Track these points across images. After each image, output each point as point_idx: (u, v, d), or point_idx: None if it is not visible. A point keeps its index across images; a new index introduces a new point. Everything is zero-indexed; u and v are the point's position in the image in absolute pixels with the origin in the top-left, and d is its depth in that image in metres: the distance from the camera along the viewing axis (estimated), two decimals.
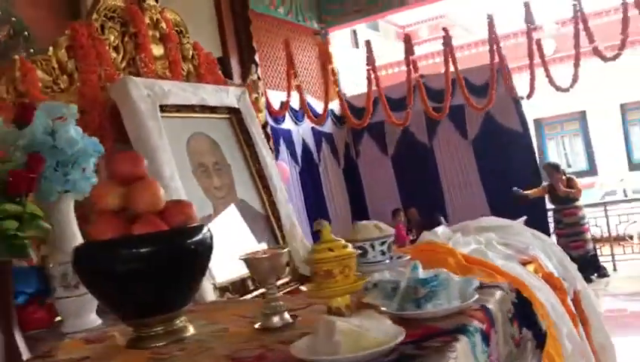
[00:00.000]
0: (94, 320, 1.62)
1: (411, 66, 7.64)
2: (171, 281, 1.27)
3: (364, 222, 1.45)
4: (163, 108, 2.34)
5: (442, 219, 7.86)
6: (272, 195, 2.68)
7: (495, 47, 7.31)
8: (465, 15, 31.08)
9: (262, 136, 2.80)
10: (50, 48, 2.22)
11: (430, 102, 8.18)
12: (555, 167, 8.26)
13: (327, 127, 9.18)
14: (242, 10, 5.31)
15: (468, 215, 7.94)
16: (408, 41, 7.69)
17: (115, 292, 1.28)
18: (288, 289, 2.47)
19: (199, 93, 2.55)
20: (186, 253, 1.27)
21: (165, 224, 1.26)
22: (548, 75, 6.93)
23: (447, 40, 7.49)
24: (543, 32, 15.89)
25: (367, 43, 7.95)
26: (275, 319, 1.25)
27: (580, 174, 17.66)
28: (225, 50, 5.11)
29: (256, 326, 1.28)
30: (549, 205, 8.53)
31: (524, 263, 2.10)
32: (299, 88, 7.04)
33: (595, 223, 8.82)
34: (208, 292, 2.01)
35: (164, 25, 2.67)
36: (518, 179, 8.54)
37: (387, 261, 1.36)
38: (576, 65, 6.87)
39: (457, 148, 9.56)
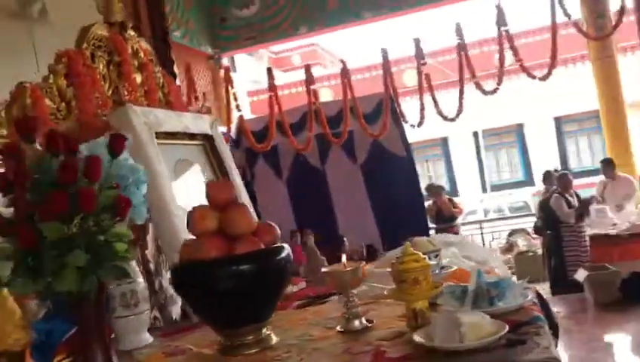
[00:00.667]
0: (148, 337, 1.72)
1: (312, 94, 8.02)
2: (264, 294, 1.45)
3: (417, 238, 1.72)
4: (156, 135, 2.44)
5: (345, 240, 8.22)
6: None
7: (389, 78, 7.91)
8: (333, 45, 32.36)
9: (232, 161, 2.96)
10: (51, 76, 2.25)
11: (321, 128, 8.60)
12: (441, 188, 9.00)
13: None
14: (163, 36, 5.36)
15: (359, 236, 8.45)
16: (308, 70, 8.08)
17: (214, 304, 1.43)
18: None
19: (182, 120, 2.67)
20: (276, 269, 1.46)
21: (261, 244, 1.44)
22: (436, 106, 7.64)
23: (344, 71, 7.99)
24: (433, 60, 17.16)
25: (269, 70, 8.26)
26: (356, 322, 1.48)
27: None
28: None
29: (338, 329, 1.49)
30: (430, 224, 9.21)
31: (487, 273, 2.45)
32: (208, 110, 7.12)
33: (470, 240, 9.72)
34: None
35: (142, 54, 2.77)
36: (404, 200, 9.14)
37: (437, 271, 1.63)
38: (461, 96, 7.65)
39: (347, 172, 10.04)
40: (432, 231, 9.23)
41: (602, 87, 9.44)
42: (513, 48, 7.27)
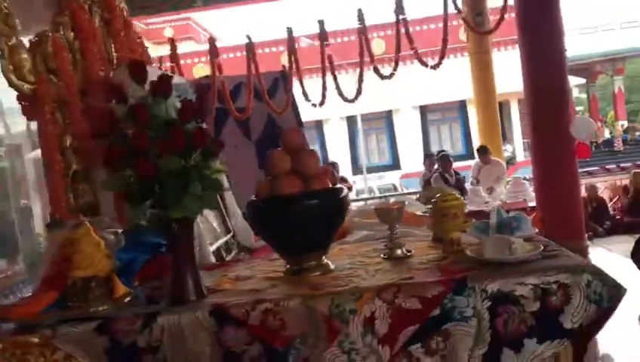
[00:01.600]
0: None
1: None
2: (328, 226, 1.71)
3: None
4: None
5: None
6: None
7: (293, 56, 8.17)
8: (208, 20, 31.78)
9: None
10: (61, 28, 2.29)
11: (218, 103, 8.68)
12: (334, 165, 9.47)
13: None
14: None
15: None
16: (213, 44, 8.11)
17: (287, 234, 1.66)
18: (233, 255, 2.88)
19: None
20: (339, 204, 1.72)
21: (328, 183, 1.70)
22: (337, 88, 8.05)
23: (249, 47, 8.12)
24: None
25: (171, 40, 8.15)
26: (399, 251, 1.78)
27: None
28: None
29: (382, 256, 1.79)
30: None
31: None
32: None
33: None
34: None
35: (125, 13, 2.83)
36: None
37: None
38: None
39: (241, 147, 10.17)
40: None
41: (477, 79, 10.42)
42: (409, 36, 7.84)
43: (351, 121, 23.49)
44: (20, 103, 2.06)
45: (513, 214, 1.80)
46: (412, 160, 21.24)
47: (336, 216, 1.72)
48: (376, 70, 8.04)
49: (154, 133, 1.45)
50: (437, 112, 24.71)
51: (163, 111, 1.50)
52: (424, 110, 24.74)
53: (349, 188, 9.46)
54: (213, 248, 2.58)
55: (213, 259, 2.42)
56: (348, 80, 8.97)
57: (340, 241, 2.34)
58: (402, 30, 7.87)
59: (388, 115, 24.95)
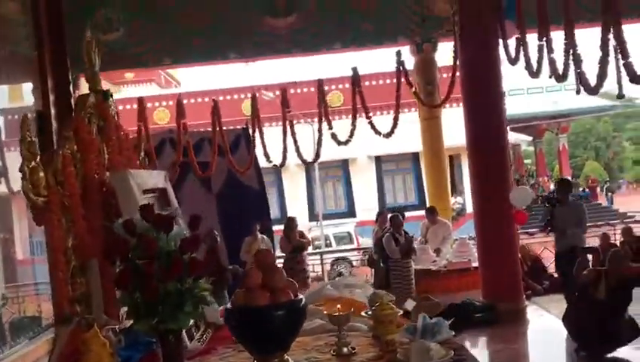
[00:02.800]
0: None
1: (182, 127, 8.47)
2: (292, 330, 2.15)
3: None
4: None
5: None
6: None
7: (256, 119, 8.66)
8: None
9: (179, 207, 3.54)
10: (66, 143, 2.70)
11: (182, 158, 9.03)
12: (293, 221, 9.87)
13: None
14: None
15: None
16: (180, 105, 8.56)
17: (257, 337, 2.09)
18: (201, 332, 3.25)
19: (153, 177, 3.22)
20: (300, 314, 2.16)
21: (291, 295, 2.14)
22: (295, 144, 8.55)
23: (215, 109, 8.60)
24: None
25: (140, 100, 8.54)
26: (345, 349, 2.23)
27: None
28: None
29: (332, 352, 2.23)
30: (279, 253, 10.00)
31: None
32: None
33: (312, 269, 10.77)
34: None
35: (116, 117, 3.26)
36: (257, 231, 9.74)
37: None
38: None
39: (202, 200, 10.49)
40: (280, 261, 10.10)
41: (427, 142, 11.14)
42: (365, 107, 8.45)
43: (309, 168, 24.06)
44: (31, 212, 2.45)
45: (435, 321, 2.27)
46: (367, 208, 21.88)
47: (298, 322, 2.16)
48: (333, 136, 8.60)
49: (157, 262, 1.87)
50: (392, 163, 25.55)
51: (165, 243, 1.93)
52: (379, 160, 25.54)
53: (308, 243, 9.90)
54: None
55: (188, 343, 2.80)
56: (305, 130, 9.48)
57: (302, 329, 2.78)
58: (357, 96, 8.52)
59: (344, 164, 25.64)
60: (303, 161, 8.84)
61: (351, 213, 24.75)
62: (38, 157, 2.38)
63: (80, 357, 2.01)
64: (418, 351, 2.02)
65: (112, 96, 3.27)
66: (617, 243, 10.90)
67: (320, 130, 8.52)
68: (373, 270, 10.14)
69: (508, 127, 25.80)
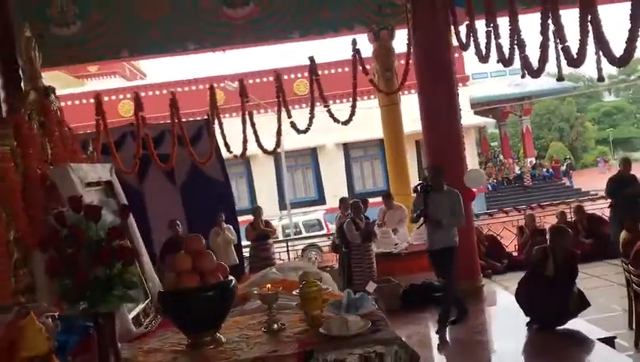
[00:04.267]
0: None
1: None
2: (221, 310, 2.29)
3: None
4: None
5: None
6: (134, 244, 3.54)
7: (215, 109, 8.73)
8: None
9: (124, 199, 3.64)
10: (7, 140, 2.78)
11: (142, 150, 9.05)
12: (258, 209, 9.99)
13: None
14: None
15: None
16: (138, 99, 8.57)
17: (188, 317, 2.23)
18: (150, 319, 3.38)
19: (97, 170, 3.31)
20: (229, 294, 2.30)
21: (220, 277, 2.28)
22: (255, 133, 8.63)
23: (173, 102, 8.63)
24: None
25: (97, 96, 8.55)
26: (275, 325, 2.38)
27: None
28: None
29: (263, 330, 2.38)
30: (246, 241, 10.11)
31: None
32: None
33: (279, 257, 10.91)
34: None
35: (58, 113, 3.34)
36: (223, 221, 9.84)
37: None
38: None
39: (166, 192, 10.49)
40: (247, 249, 10.22)
41: (387, 129, 11.31)
42: (322, 95, 8.58)
43: (278, 157, 24.11)
44: None
45: (358, 295, 2.44)
46: (337, 195, 22.07)
47: (227, 302, 2.30)
48: (292, 125, 8.72)
49: (87, 249, 1.99)
50: (359, 149, 25.74)
51: (93, 232, 2.04)
52: (347, 147, 25.71)
53: (272, 232, 10.04)
54: (132, 314, 3.08)
55: (132, 326, 2.92)
56: (271, 120, 9.57)
57: (240, 310, 2.92)
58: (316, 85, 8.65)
59: (313, 152, 25.76)
60: (264, 151, 8.94)
61: (321, 200, 24.93)
62: None
63: (16, 342, 2.12)
64: (337, 322, 2.17)
65: (54, 92, 3.35)
66: (573, 220, 11.32)
67: (279, 120, 8.63)
68: (337, 255, 10.32)
69: (472, 110, 26.01)
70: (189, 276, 2.18)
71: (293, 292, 2.47)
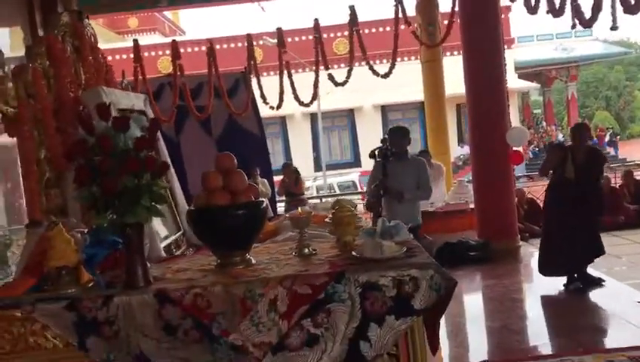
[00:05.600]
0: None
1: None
2: (250, 230, 2.22)
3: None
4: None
5: None
6: (168, 181, 3.49)
7: (252, 62, 8.64)
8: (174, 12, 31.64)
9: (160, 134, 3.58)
10: (38, 58, 2.73)
11: (180, 101, 9.06)
12: (288, 167, 10.00)
13: None
14: None
15: None
16: (175, 48, 8.52)
17: (218, 235, 2.17)
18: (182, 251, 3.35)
19: (131, 99, 3.25)
20: (259, 214, 2.23)
21: (252, 197, 2.20)
22: (294, 92, 8.53)
23: (210, 51, 8.56)
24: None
25: (135, 42, 8.53)
26: (306, 250, 2.30)
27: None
28: None
29: (294, 253, 2.30)
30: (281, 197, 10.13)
31: None
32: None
33: None
34: None
35: (93, 39, 3.28)
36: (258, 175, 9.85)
37: None
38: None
39: (202, 145, 10.54)
40: (282, 205, 10.23)
41: (428, 86, 11.06)
42: (362, 47, 8.38)
43: (314, 118, 24.00)
44: (2, 123, 2.51)
45: (393, 223, 2.33)
46: None
47: (257, 223, 2.23)
48: (330, 77, 8.56)
49: (115, 159, 1.93)
50: (397, 112, 25.37)
51: (122, 142, 1.98)
52: (385, 109, 25.37)
53: (300, 192, 10.05)
54: (164, 244, 3.05)
55: (163, 254, 2.90)
56: (306, 77, 9.44)
57: (271, 240, 2.86)
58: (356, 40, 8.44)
59: (350, 113, 25.51)
60: (301, 103, 8.82)
61: (356, 162, 24.78)
62: (6, 67, 2.42)
63: (46, 253, 2.10)
64: (370, 245, 2.09)
65: (88, 17, 3.29)
66: (617, 186, 10.97)
67: (317, 71, 8.48)
68: (372, 214, 10.25)
69: (516, 74, 25.39)
70: (219, 194, 2.11)
71: (326, 220, 2.38)
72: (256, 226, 2.23)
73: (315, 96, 8.72)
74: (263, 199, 2.27)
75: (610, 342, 4.88)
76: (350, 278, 1.96)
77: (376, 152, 5.37)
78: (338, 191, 20.25)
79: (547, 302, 6.20)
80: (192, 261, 2.41)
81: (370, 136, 24.10)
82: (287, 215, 3.10)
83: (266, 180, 9.83)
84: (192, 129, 10.37)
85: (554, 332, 5.31)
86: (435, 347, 2.21)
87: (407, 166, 5.40)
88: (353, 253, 2.12)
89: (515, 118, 24.69)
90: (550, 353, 4.68)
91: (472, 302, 6.66)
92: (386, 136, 5.54)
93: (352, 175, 21.71)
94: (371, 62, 8.73)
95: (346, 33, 8.77)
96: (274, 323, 1.95)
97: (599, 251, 6.26)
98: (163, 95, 9.30)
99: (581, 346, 4.63)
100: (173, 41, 8.73)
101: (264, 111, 16.62)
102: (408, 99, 22.86)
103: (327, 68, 8.56)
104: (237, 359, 1.95)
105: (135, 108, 3.32)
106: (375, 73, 8.57)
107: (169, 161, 3.54)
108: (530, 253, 8.51)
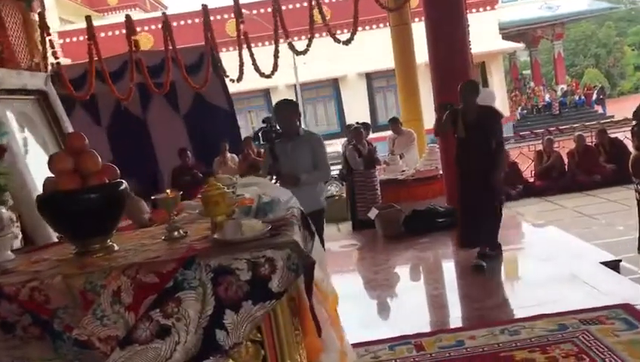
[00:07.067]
0: (11, 255, 2.23)
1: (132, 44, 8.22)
2: (106, 214, 2.05)
3: (220, 175, 2.40)
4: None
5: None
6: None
7: (209, 33, 8.38)
8: None
9: (65, 114, 3.40)
10: None
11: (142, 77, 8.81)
12: (247, 140, 9.59)
13: None
14: None
15: None
16: (130, 22, 8.26)
17: (69, 223, 2.00)
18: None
19: (21, 78, 3.06)
20: (119, 197, 2.06)
21: (106, 179, 2.03)
22: (254, 64, 8.28)
23: (165, 23, 8.30)
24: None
25: (88, 18, 8.27)
26: (175, 233, 2.14)
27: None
28: None
29: (162, 238, 2.14)
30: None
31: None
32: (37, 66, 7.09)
33: None
34: None
35: None
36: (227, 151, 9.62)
37: (233, 197, 2.33)
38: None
39: (170, 121, 10.33)
40: None
41: (398, 51, 10.79)
42: (322, 14, 8.12)
43: (301, 89, 23.69)
44: None
45: (269, 199, 2.17)
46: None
47: (114, 207, 2.06)
48: (290, 46, 8.32)
49: None
50: (382, 79, 25.01)
51: None
52: (370, 77, 25.02)
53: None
54: None
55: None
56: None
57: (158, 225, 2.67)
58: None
59: (334, 83, 25.19)
60: (261, 75, 8.58)
61: (343, 132, 24.51)
62: None
63: None
64: (231, 227, 1.92)
65: None
66: (594, 143, 10.78)
67: (276, 38, 8.23)
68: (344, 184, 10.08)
69: (500, 35, 24.89)
70: (68, 178, 1.93)
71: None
72: (114, 211, 2.05)
73: (275, 67, 8.47)
74: (122, 180, 2.08)
75: (565, 304, 4.77)
76: (200, 263, 1.80)
77: (260, 135, 4.80)
78: None
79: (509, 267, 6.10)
80: (57, 250, 2.24)
81: (356, 105, 23.85)
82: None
83: (235, 155, 9.64)
84: (159, 106, 10.17)
85: (509, 296, 5.22)
86: (319, 328, 2.07)
87: (299, 145, 4.60)
88: (215, 236, 1.96)
89: (500, 80, 24.41)
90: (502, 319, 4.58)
91: (434, 270, 6.56)
92: (269, 115, 5.01)
93: (338, 146, 21.46)
94: (338, 31, 8.44)
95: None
96: (119, 316, 1.80)
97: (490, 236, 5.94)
98: (127, 73, 9.05)
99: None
100: (127, 16, 8.46)
101: (248, 84, 16.31)
102: (393, 66, 22.48)
103: (287, 36, 8.31)
104: (83, 355, 1.80)
105: (28, 87, 3.13)
106: (336, 40, 8.31)
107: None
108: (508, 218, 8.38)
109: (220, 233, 1.95)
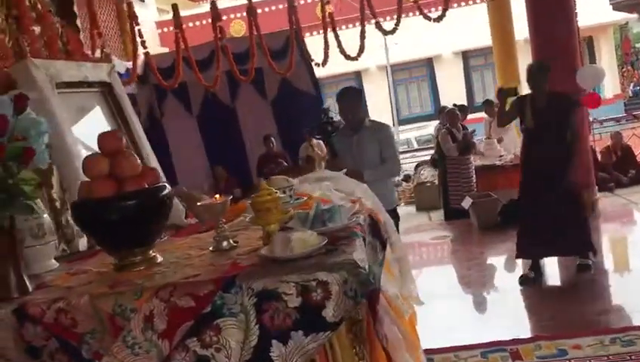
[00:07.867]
0: (54, 263, 2.06)
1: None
2: (147, 223, 1.82)
3: (274, 177, 2.12)
4: (57, 85, 2.69)
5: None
6: (143, 158, 3.16)
7: (293, 17, 8.15)
8: None
9: (130, 106, 3.24)
10: None
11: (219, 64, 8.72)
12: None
13: (129, 87, 9.24)
14: None
15: None
16: (215, 8, 8.18)
17: (106, 233, 1.79)
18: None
19: (82, 70, 2.92)
20: (159, 203, 1.82)
21: (145, 184, 1.80)
22: (339, 46, 7.98)
23: (250, 9, 8.14)
24: None
25: (175, 7, 8.26)
26: (224, 243, 1.88)
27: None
28: None
29: (210, 249, 1.89)
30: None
31: (353, 202, 2.91)
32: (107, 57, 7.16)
33: None
34: None
35: (39, 6, 2.95)
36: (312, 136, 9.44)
37: (291, 201, 2.04)
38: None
39: (258, 108, 10.27)
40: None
41: (495, 25, 10.08)
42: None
43: (393, 70, 23.11)
44: None
45: (329, 206, 1.85)
46: None
47: (156, 213, 1.82)
48: (377, 25, 7.93)
49: None
50: (479, 57, 23.89)
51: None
52: (467, 55, 23.98)
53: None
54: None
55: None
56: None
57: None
58: None
59: (428, 63, 24.35)
60: (347, 57, 8.25)
61: (437, 114, 23.70)
62: None
63: None
64: (280, 241, 1.63)
65: None
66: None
67: (363, 21, 7.86)
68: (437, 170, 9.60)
69: (611, 6, 23.10)
70: (101, 183, 1.72)
71: None
72: (154, 218, 1.82)
73: (362, 48, 8.11)
74: (165, 184, 1.84)
75: None
76: (242, 286, 1.53)
77: (306, 132, 4.23)
78: (416, 147, 19.47)
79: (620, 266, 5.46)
80: (100, 260, 2.05)
81: (452, 84, 22.89)
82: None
83: (321, 141, 9.40)
84: (247, 93, 10.14)
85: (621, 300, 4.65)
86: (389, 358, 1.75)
87: (365, 137, 4.06)
88: (262, 252, 1.68)
89: (610, 54, 22.60)
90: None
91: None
92: (326, 106, 4.63)
93: (431, 128, 20.77)
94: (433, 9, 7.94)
95: None
96: (152, 344, 1.56)
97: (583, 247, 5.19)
98: (214, 60, 9.03)
99: None
100: (212, 2, 8.38)
101: (338, 67, 15.94)
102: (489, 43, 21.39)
103: (374, 17, 7.92)
104: None
105: (90, 79, 2.98)
106: (427, 17, 7.82)
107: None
108: (611, 205, 7.62)
109: (269, 248, 1.67)
